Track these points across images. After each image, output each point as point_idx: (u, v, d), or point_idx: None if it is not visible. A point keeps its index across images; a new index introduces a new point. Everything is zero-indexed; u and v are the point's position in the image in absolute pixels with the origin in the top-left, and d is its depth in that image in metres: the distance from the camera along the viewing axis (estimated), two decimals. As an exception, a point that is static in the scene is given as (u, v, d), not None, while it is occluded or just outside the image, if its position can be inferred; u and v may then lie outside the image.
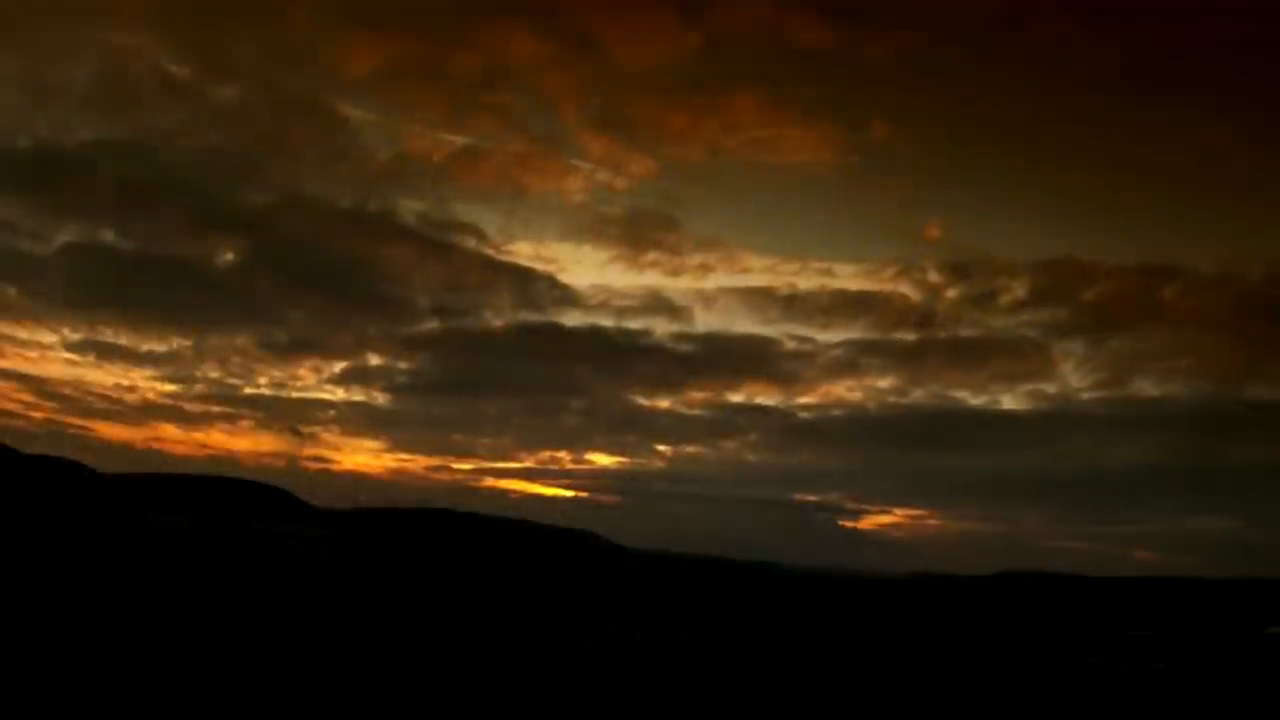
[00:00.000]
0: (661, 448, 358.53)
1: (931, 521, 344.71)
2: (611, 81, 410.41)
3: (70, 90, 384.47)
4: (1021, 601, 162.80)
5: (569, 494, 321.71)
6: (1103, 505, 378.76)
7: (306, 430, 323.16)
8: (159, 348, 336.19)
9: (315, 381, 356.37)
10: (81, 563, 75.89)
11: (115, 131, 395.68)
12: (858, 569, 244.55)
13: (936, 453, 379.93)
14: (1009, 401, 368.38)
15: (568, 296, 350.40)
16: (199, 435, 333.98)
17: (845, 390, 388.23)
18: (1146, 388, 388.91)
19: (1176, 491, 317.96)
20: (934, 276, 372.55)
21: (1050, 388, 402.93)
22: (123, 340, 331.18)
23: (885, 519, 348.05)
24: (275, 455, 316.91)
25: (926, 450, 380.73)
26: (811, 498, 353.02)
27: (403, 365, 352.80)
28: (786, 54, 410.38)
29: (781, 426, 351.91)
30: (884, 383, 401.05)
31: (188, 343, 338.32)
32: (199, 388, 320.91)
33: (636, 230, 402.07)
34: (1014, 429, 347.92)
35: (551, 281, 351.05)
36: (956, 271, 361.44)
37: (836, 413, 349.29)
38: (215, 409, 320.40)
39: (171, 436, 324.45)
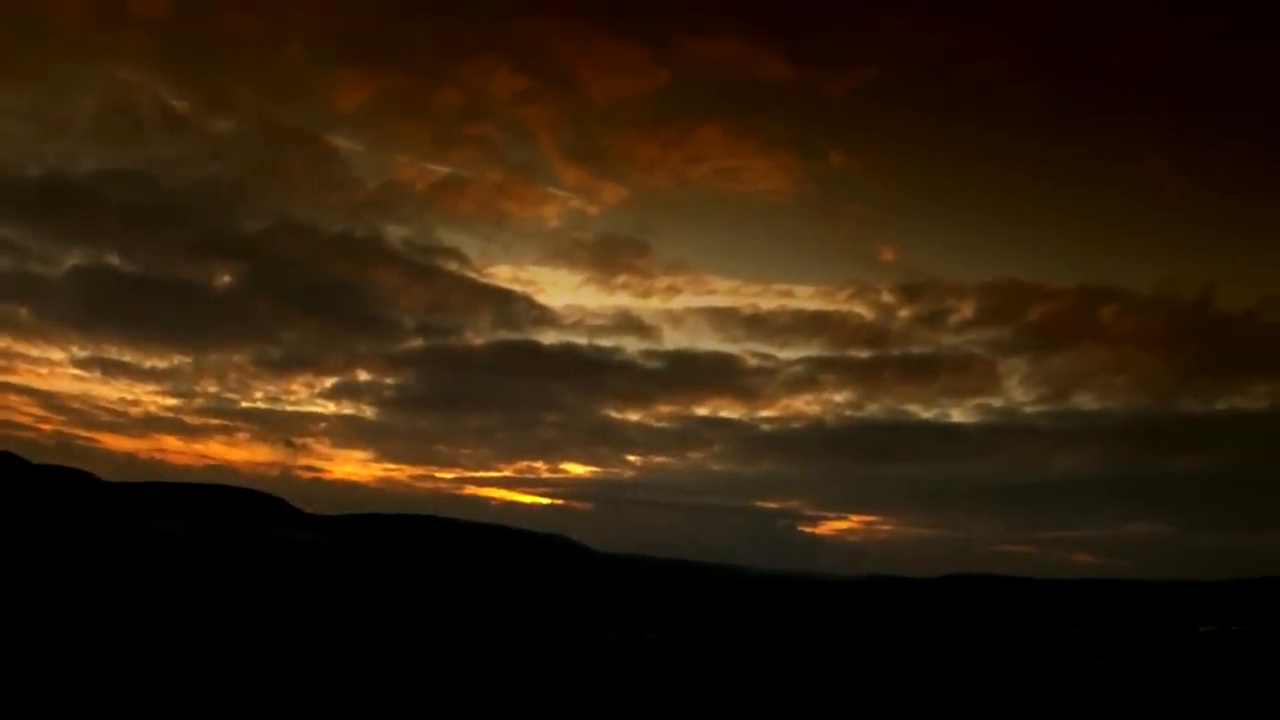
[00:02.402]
0: (632, 458, 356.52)
1: (885, 527, 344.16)
2: (585, 115, 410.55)
3: (77, 123, 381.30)
4: (970, 602, 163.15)
5: (545, 501, 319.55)
6: (1046, 512, 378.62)
7: (299, 441, 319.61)
8: (161, 364, 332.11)
9: (308, 396, 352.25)
10: (89, 564, 75.04)
11: (119, 161, 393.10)
12: (816, 572, 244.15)
13: (890, 463, 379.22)
14: (957, 415, 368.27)
15: (544, 316, 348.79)
16: (199, 446, 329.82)
17: (804, 404, 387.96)
18: (1086, 402, 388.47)
19: (1115, 499, 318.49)
20: (887, 297, 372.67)
21: (996, 402, 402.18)
22: (127, 357, 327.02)
23: (842, 525, 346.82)
24: (270, 465, 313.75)
25: (880, 460, 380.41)
26: (772, 505, 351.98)
27: (390, 381, 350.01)
28: (749, 89, 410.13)
29: (744, 438, 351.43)
30: (840, 397, 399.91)
31: (188, 359, 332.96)
32: (199, 402, 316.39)
33: (608, 254, 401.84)
34: (962, 441, 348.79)
35: (529, 302, 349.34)
36: (908, 293, 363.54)
37: (796, 425, 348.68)
38: (214, 422, 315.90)
39: (173, 447, 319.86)
